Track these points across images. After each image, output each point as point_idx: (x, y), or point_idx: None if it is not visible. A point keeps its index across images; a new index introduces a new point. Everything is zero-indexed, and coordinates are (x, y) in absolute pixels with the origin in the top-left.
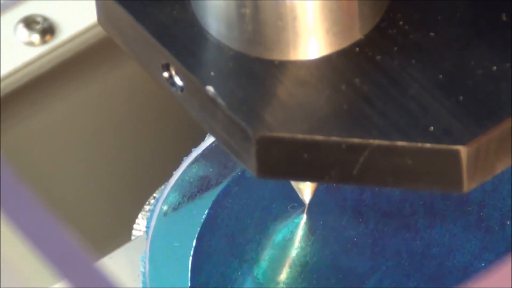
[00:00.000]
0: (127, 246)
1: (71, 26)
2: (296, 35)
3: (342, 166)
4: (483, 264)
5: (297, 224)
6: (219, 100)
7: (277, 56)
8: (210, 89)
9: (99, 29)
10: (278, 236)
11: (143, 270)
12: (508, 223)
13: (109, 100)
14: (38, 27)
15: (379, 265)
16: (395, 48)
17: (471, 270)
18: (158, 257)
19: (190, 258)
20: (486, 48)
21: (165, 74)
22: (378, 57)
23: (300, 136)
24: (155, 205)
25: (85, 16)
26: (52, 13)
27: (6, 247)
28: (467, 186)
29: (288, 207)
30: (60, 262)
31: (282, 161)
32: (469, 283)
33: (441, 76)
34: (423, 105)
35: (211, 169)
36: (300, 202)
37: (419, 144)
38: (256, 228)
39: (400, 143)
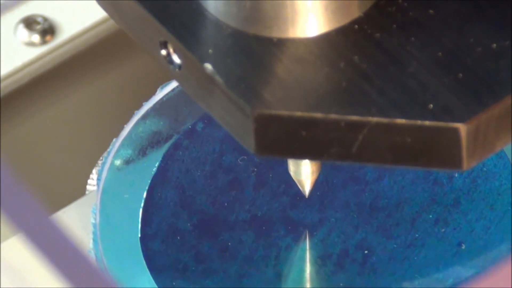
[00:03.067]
0: (81, 200)
1: (71, 26)
2: (295, 12)
3: (341, 144)
4: (430, 216)
5: (247, 177)
6: (217, 78)
7: (275, 34)
8: (208, 66)
9: (99, 29)
10: (227, 188)
11: (93, 221)
12: (456, 175)
13: (109, 100)
14: (38, 27)
15: (328, 217)
16: (394, 26)
17: (419, 222)
18: (109, 208)
19: (141, 210)
20: (486, 26)
21: (163, 52)
22: (377, 35)
23: (298, 113)
24: (106, 158)
25: (85, 16)
26: (52, 13)
27: (6, 247)
28: (467, 164)
29: (239, 160)
30: (14, 216)
31: (281, 139)
32: (469, 283)
33: (440, 53)
34: (422, 82)
35: (162, 123)
36: (250, 156)
37: (418, 122)
38: (206, 181)
39: (399, 121)
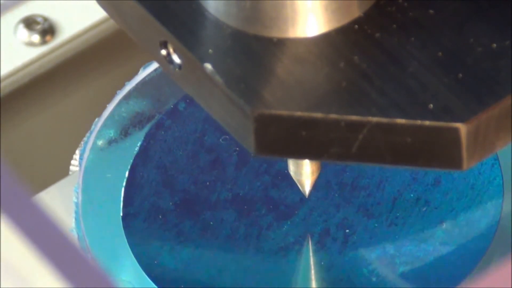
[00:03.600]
0: (64, 180)
1: (71, 26)
2: (295, 12)
3: (341, 144)
4: (411, 195)
5: (229, 156)
6: (217, 78)
7: (275, 34)
8: (208, 66)
9: (99, 29)
10: (209, 168)
11: (75, 201)
12: None
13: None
14: (38, 27)
15: (309, 196)
16: (394, 26)
17: (400, 200)
18: (91, 187)
19: (123, 189)
20: (486, 25)
21: (163, 52)
22: (377, 35)
23: (298, 113)
24: (88, 138)
25: (85, 16)
26: (52, 13)
27: (6, 247)
28: (467, 164)
29: (220, 140)
30: None
31: (281, 138)
32: (469, 283)
33: (440, 53)
34: (422, 82)
35: (144, 103)
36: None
37: (418, 122)
38: (188, 160)
39: (399, 121)
